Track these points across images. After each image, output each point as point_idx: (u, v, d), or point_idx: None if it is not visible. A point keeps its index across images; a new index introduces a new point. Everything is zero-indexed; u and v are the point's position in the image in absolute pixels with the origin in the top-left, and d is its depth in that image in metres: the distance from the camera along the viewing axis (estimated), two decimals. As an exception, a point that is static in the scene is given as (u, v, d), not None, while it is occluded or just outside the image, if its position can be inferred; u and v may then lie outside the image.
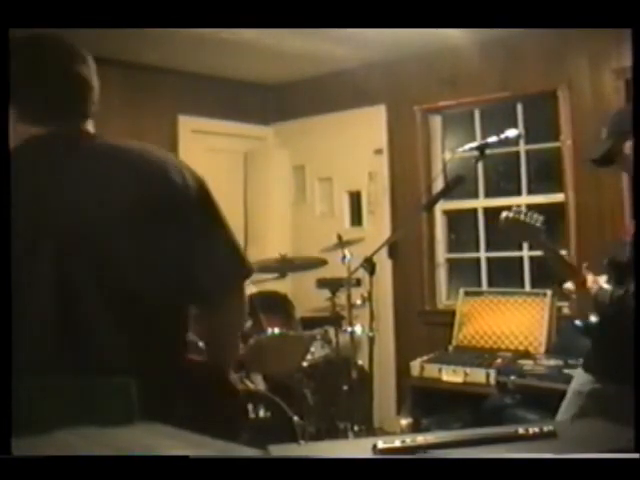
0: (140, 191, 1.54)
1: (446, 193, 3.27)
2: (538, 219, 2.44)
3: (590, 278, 2.50)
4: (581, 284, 2.49)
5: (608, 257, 2.51)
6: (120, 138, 1.66)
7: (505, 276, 5.07)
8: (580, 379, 2.63)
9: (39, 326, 1.46)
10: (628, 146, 2.43)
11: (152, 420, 1.18)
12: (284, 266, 4.14)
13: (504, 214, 2.45)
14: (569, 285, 2.57)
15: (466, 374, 4.28)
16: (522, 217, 2.42)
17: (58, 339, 1.46)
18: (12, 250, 1.32)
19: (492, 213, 5.05)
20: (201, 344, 1.71)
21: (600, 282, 2.48)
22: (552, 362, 4.14)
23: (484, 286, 5.06)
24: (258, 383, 4.07)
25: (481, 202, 5.12)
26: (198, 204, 1.60)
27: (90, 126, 1.68)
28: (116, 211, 1.52)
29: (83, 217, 1.51)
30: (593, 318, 2.49)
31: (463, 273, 5.28)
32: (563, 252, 4.28)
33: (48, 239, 1.48)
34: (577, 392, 2.61)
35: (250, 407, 3.59)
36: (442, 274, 5.27)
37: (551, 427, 1.16)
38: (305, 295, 4.88)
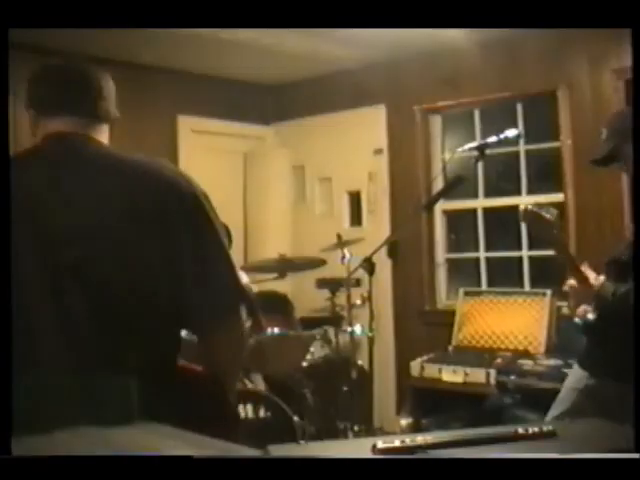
0: (139, 209, 1.52)
1: (446, 193, 3.28)
2: (554, 213, 2.47)
3: (592, 275, 2.53)
4: (584, 281, 2.51)
5: (611, 256, 2.53)
6: (127, 151, 1.65)
7: (505, 276, 5.07)
8: (575, 376, 2.65)
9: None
10: (629, 147, 2.45)
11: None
12: (284, 266, 4.14)
13: (523, 206, 2.49)
14: (572, 282, 2.58)
15: (466, 374, 4.28)
16: (541, 212, 2.46)
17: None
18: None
19: (492, 213, 5.05)
20: None
21: (601, 280, 2.50)
22: (552, 362, 4.14)
23: (484, 286, 5.06)
24: (258, 383, 4.07)
25: (481, 202, 5.12)
26: (198, 230, 1.57)
27: (100, 132, 1.68)
28: (111, 228, 1.50)
29: (77, 230, 1.50)
30: (591, 316, 2.51)
31: (463, 273, 5.28)
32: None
33: (41, 249, 1.48)
34: (572, 389, 2.63)
35: (250, 407, 3.59)
36: (442, 274, 5.27)
37: (551, 427, 1.16)
38: (305, 295, 4.88)
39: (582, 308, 2.55)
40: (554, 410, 2.66)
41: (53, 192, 1.52)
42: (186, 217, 1.56)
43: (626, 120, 2.49)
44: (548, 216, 2.45)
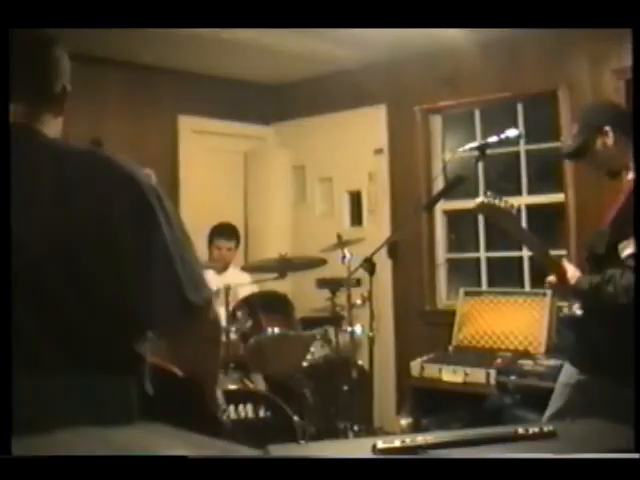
0: (91, 202, 1.39)
1: (446, 193, 3.28)
2: (513, 206, 2.46)
3: (570, 269, 2.54)
4: (562, 276, 2.53)
5: (589, 251, 2.54)
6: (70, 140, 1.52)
7: (505, 276, 5.07)
8: (567, 372, 2.66)
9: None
10: (600, 142, 2.49)
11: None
12: (284, 266, 4.14)
13: (479, 199, 2.48)
14: (551, 278, 2.60)
15: (466, 374, 4.27)
16: (497, 202, 2.44)
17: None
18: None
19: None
20: None
21: (577, 272, 2.52)
22: (552, 362, 4.14)
23: (484, 286, 5.06)
24: (258, 383, 4.07)
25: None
26: (148, 222, 1.42)
27: (51, 120, 1.52)
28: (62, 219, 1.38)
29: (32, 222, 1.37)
30: (578, 311, 2.54)
31: (463, 273, 5.28)
32: (563, 252, 4.30)
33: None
34: (564, 384, 2.64)
35: (250, 407, 3.59)
36: (442, 274, 5.27)
37: (551, 427, 1.16)
38: (305, 295, 4.88)
39: (573, 304, 2.57)
40: (550, 409, 2.67)
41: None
42: (131, 215, 1.41)
43: (597, 115, 2.53)
44: (506, 208, 2.44)
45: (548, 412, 2.67)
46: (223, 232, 4.71)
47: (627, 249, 2.34)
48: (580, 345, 2.62)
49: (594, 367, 2.49)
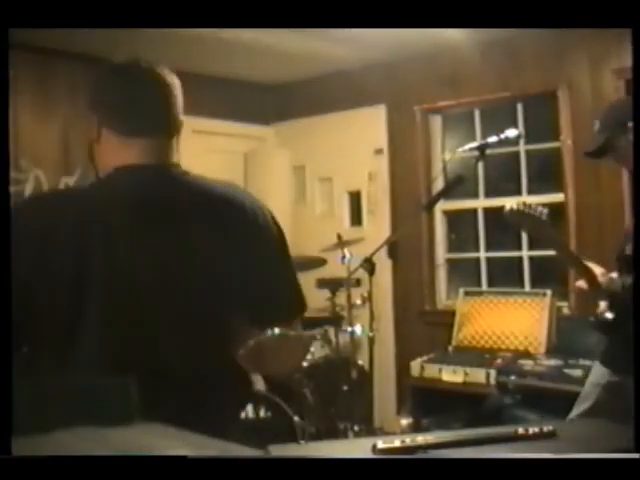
0: (219, 233, 1.56)
1: (446, 193, 3.27)
2: (543, 212, 2.44)
3: (599, 271, 2.50)
4: (592, 279, 2.48)
5: (618, 251, 2.52)
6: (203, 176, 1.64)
7: (505, 276, 5.07)
8: (598, 372, 2.64)
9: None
10: (623, 139, 2.43)
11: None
12: (284, 266, 4.13)
13: (509, 205, 2.46)
14: (580, 283, 2.56)
15: (466, 374, 4.28)
16: (527, 209, 2.42)
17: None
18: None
19: (492, 213, 5.05)
20: None
21: (609, 275, 2.48)
22: (552, 362, 4.14)
23: (484, 286, 5.06)
24: (258, 383, 4.07)
25: (481, 202, 5.12)
26: (271, 246, 1.70)
27: (176, 155, 1.62)
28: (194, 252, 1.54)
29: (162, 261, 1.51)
30: (609, 315, 2.48)
31: (463, 273, 5.28)
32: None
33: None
34: (595, 384, 2.62)
35: (250, 407, 3.59)
36: (442, 274, 5.27)
37: (551, 427, 1.16)
38: (305, 295, 4.88)
39: (602, 307, 2.51)
40: (578, 407, 2.65)
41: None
42: (262, 237, 1.70)
43: (620, 112, 2.47)
44: (537, 215, 2.42)
45: (575, 411, 2.65)
46: None
47: None
48: (613, 345, 2.59)
49: (628, 368, 2.46)
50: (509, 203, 2.47)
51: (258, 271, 1.62)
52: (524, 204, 2.43)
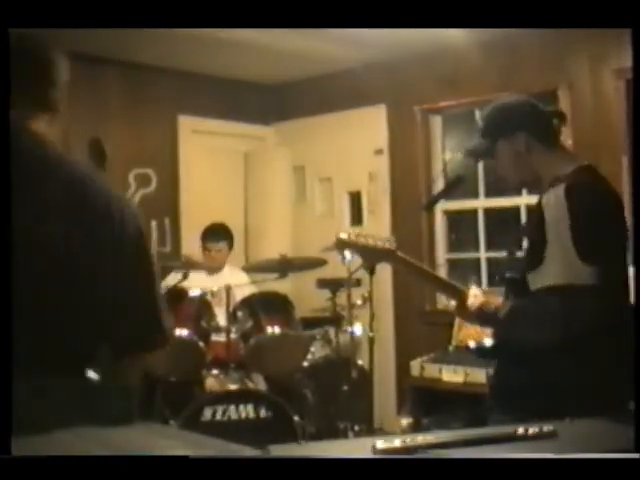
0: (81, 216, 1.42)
1: (446, 193, 3.27)
2: (389, 241, 2.24)
3: (471, 293, 2.21)
4: (461, 304, 2.20)
5: (508, 273, 2.18)
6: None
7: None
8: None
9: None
10: (501, 145, 2.18)
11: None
12: (284, 266, 4.14)
13: (341, 235, 2.23)
14: (453, 303, 2.31)
15: (466, 374, 4.27)
16: (359, 240, 2.22)
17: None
18: None
19: (492, 213, 5.05)
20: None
21: (481, 296, 2.19)
22: (552, 362, 4.14)
23: (484, 286, 5.06)
24: (258, 383, 4.07)
25: (481, 202, 5.11)
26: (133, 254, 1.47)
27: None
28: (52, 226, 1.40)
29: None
30: (488, 341, 2.20)
31: (463, 273, 5.28)
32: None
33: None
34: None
35: (250, 407, 3.59)
36: (442, 274, 5.26)
37: (551, 427, 1.16)
38: (305, 295, 4.87)
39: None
40: None
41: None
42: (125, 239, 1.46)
43: (500, 115, 2.23)
44: (373, 244, 2.20)
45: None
46: (212, 234, 4.69)
47: (537, 281, 1.96)
48: (496, 379, 2.24)
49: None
50: (344, 233, 2.25)
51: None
52: (357, 235, 2.24)
